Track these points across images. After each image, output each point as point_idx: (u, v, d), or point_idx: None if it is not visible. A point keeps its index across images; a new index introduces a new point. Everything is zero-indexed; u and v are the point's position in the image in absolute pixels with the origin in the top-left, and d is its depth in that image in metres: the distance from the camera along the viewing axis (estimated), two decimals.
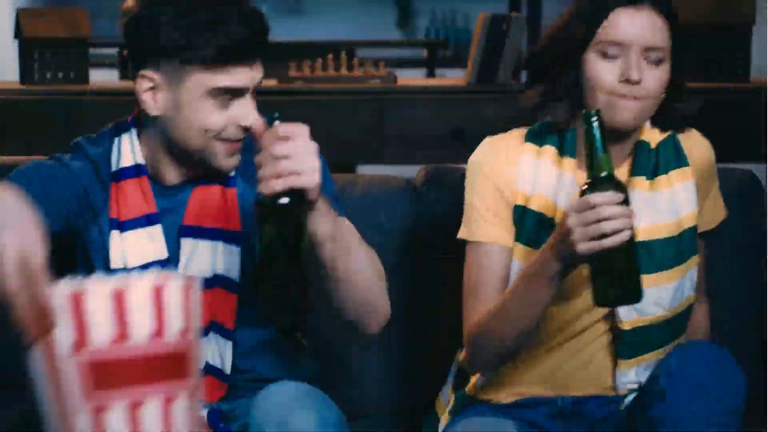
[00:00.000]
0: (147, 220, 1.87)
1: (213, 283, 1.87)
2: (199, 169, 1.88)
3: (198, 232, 1.88)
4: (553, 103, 1.93)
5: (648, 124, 1.96)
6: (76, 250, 1.89)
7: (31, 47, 3.87)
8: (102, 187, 1.89)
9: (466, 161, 2.04)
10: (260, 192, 1.64)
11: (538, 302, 1.83)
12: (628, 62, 1.85)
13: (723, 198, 2.14)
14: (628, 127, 1.89)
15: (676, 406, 1.76)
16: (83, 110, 3.72)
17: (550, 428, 1.97)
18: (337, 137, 3.72)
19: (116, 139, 1.95)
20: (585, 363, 1.98)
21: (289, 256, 1.64)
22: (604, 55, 1.87)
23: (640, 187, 1.93)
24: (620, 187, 1.74)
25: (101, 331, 1.39)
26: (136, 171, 1.89)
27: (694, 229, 1.99)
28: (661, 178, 1.96)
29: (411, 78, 5.05)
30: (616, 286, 1.75)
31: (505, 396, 2.00)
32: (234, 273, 1.88)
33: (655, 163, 1.96)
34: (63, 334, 1.39)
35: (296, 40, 6.11)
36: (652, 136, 1.97)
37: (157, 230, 1.87)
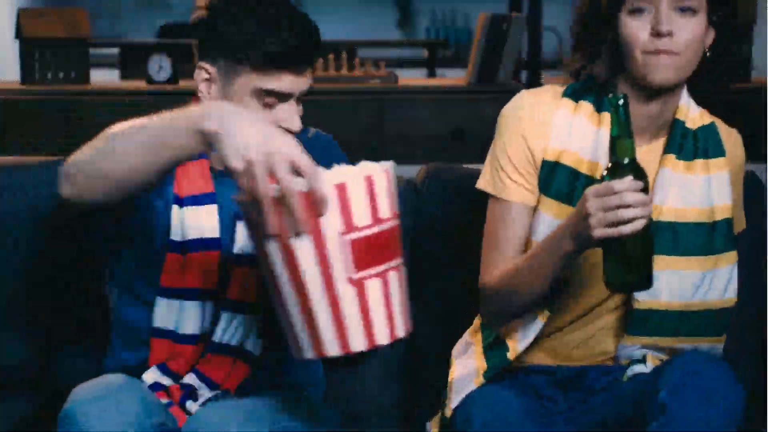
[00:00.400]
0: (205, 199, 1.97)
1: None
2: None
3: None
4: (594, 63, 1.94)
5: (688, 101, 1.97)
6: (134, 220, 1.98)
7: (31, 47, 3.87)
8: None
9: (466, 161, 2.04)
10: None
11: (551, 273, 1.85)
12: (657, 15, 1.85)
13: None
14: (666, 84, 1.89)
15: (676, 422, 1.76)
16: (83, 110, 3.72)
17: (550, 395, 1.99)
18: (337, 137, 3.70)
19: None
20: (590, 336, 1.99)
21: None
22: (636, 12, 1.87)
23: (672, 167, 1.93)
24: (641, 174, 1.73)
25: (361, 214, 1.59)
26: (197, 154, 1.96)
27: (729, 222, 1.98)
28: (699, 162, 1.95)
29: (411, 78, 5.06)
30: (627, 272, 1.75)
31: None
32: None
33: (694, 145, 1.95)
34: (332, 219, 1.57)
35: None
36: (691, 116, 1.97)
37: (212, 209, 1.97)
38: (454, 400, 1.98)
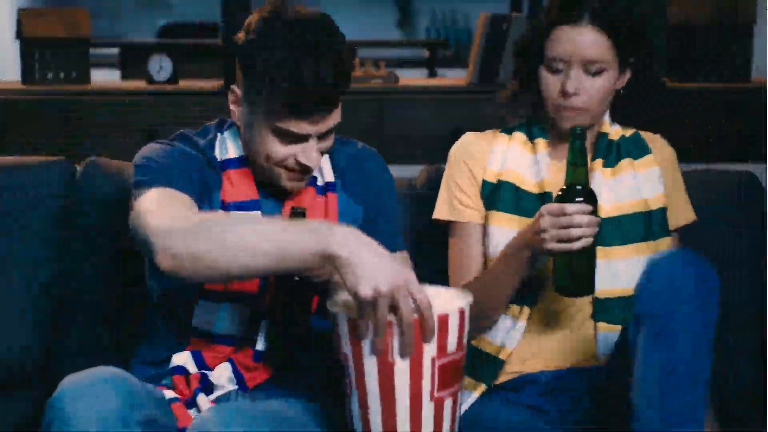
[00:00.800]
0: (250, 206, 2.03)
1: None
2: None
3: None
4: (522, 100, 2.19)
5: (609, 119, 2.19)
6: None
7: (32, 47, 3.87)
8: (214, 170, 2.03)
9: None
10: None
11: (514, 280, 2.06)
12: (566, 77, 2.07)
13: (722, 198, 2.31)
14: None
15: (656, 303, 1.84)
16: (83, 110, 3.72)
17: (539, 405, 2.10)
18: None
19: (219, 134, 2.08)
20: (568, 335, 2.13)
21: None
22: (551, 69, 2.09)
23: (601, 171, 2.14)
24: (592, 198, 1.96)
25: (453, 342, 1.76)
26: (239, 162, 2.04)
27: (663, 210, 2.16)
28: (624, 163, 2.16)
29: (412, 78, 5.05)
30: (572, 280, 1.99)
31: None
32: None
33: (617, 152, 2.17)
34: (430, 346, 1.74)
35: None
36: (614, 130, 2.20)
37: (257, 216, 2.01)
38: (461, 409, 2.07)
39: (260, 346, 2.01)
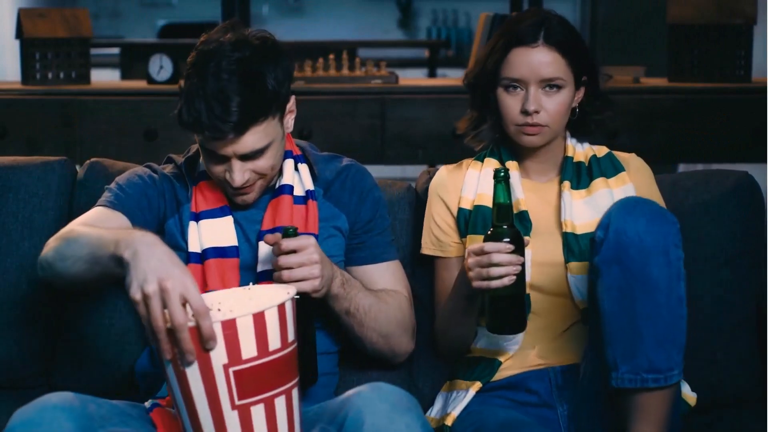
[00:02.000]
0: (219, 212, 2.16)
1: None
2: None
3: (275, 232, 2.09)
4: (481, 128, 2.26)
5: (573, 141, 2.28)
6: (165, 233, 2.18)
7: (32, 47, 3.87)
8: (186, 186, 2.20)
9: None
10: None
11: (464, 312, 2.15)
12: (526, 95, 2.16)
13: (718, 198, 2.36)
14: (533, 146, 2.22)
15: (620, 254, 1.92)
16: (83, 110, 3.72)
17: (539, 403, 2.15)
18: (338, 137, 3.72)
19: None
20: (563, 336, 2.18)
21: (302, 338, 1.93)
22: (508, 90, 2.18)
23: (570, 192, 2.21)
24: (517, 238, 2.03)
25: (248, 348, 1.73)
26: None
27: None
28: (598, 182, 2.22)
29: (412, 78, 5.05)
30: (500, 318, 2.04)
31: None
32: None
33: (589, 173, 2.24)
34: (218, 352, 1.72)
35: (297, 40, 6.11)
36: (578, 151, 2.27)
37: (228, 220, 2.15)
38: (457, 409, 2.14)
39: None
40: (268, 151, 2.07)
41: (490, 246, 2.01)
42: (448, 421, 2.13)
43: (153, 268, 1.73)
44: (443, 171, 2.32)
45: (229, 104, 1.99)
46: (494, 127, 2.24)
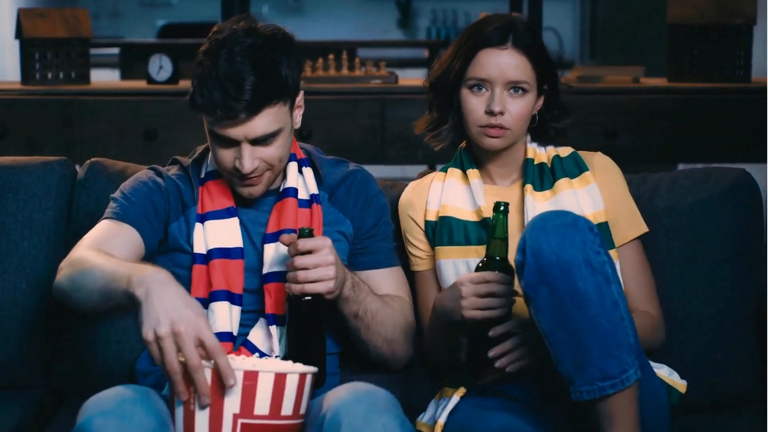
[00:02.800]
0: (225, 213, 2.16)
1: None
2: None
3: (280, 235, 2.09)
4: (441, 129, 2.26)
5: (534, 144, 2.28)
6: (168, 236, 2.18)
7: (32, 47, 3.87)
8: (192, 189, 2.20)
9: None
10: (288, 290, 2.01)
11: (446, 331, 2.14)
12: (492, 96, 2.17)
13: (716, 196, 2.36)
14: (495, 149, 2.22)
15: (543, 275, 1.89)
16: (83, 110, 3.71)
17: (522, 405, 2.13)
18: (338, 137, 3.72)
19: (209, 153, 2.21)
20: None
21: (314, 340, 2.00)
22: (474, 90, 2.19)
23: (532, 194, 2.21)
24: (510, 272, 2.03)
25: (262, 404, 1.74)
26: (220, 174, 2.17)
27: (604, 225, 2.21)
28: (562, 182, 2.22)
29: (412, 78, 5.05)
30: (481, 349, 2.03)
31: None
32: None
33: (552, 174, 2.24)
34: (232, 401, 1.73)
35: (297, 40, 6.10)
36: (538, 153, 2.27)
37: (234, 222, 2.15)
38: (443, 416, 2.12)
39: (279, 352, 2.09)
40: (277, 139, 2.08)
41: (491, 275, 2.02)
42: (437, 431, 2.11)
43: (165, 309, 1.73)
44: (408, 189, 2.34)
45: (242, 84, 2.00)
46: (455, 128, 2.25)
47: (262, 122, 2.04)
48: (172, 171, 2.24)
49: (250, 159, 2.06)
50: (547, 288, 1.88)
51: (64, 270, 2.00)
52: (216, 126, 2.05)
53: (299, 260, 1.98)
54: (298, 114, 2.14)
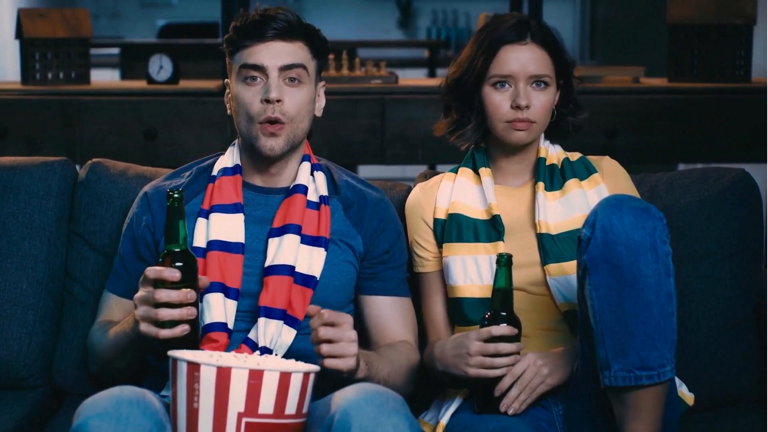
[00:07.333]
0: (233, 208, 2.18)
1: (295, 278, 2.12)
2: (266, 169, 2.22)
3: (285, 230, 2.13)
4: (465, 129, 2.28)
5: (547, 144, 2.30)
6: (158, 247, 2.21)
7: (32, 47, 3.87)
8: (200, 186, 2.23)
9: None
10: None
11: (445, 374, 2.13)
12: (516, 91, 2.20)
13: (716, 196, 2.37)
14: (522, 143, 2.24)
15: (608, 252, 1.92)
16: (83, 110, 3.71)
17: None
18: (338, 137, 3.72)
19: (228, 149, 2.27)
20: (546, 343, 2.18)
21: None
22: (497, 87, 2.21)
23: (544, 193, 2.24)
24: (516, 325, 2.04)
25: (266, 403, 1.75)
26: (232, 171, 2.22)
27: None
28: (571, 183, 2.25)
29: (412, 78, 5.05)
30: (489, 402, 2.06)
31: None
32: (316, 271, 2.15)
33: (562, 175, 2.27)
34: (237, 400, 1.74)
35: None
36: (551, 153, 2.29)
37: (239, 218, 2.17)
38: (445, 417, 2.14)
39: (251, 336, 2.10)
40: (301, 88, 2.17)
41: (497, 329, 2.03)
42: (439, 431, 2.12)
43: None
44: (416, 190, 2.36)
45: (277, 14, 2.14)
46: (478, 127, 2.27)
47: (291, 49, 2.14)
48: (184, 173, 2.29)
49: (277, 88, 2.12)
50: (609, 265, 1.91)
51: (89, 359, 2.24)
52: (247, 54, 2.14)
53: (323, 331, 1.94)
54: (320, 100, 2.25)
